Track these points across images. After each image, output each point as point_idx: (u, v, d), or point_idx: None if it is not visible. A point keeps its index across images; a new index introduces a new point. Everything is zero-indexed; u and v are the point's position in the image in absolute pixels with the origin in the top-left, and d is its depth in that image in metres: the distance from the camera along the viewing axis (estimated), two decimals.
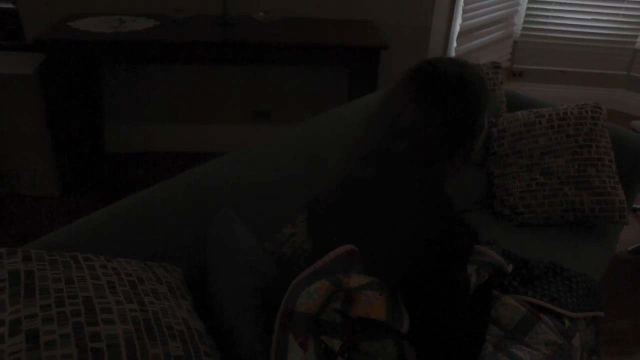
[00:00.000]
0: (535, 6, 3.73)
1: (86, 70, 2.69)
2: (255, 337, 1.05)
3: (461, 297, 1.10)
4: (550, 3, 3.74)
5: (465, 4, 3.06)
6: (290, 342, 0.97)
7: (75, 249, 1.14)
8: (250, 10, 2.71)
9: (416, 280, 1.03)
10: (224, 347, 1.08)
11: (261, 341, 1.05)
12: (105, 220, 1.31)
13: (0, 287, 0.94)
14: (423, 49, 2.95)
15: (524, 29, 3.78)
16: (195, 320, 1.06)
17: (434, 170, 1.15)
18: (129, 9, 2.67)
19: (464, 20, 3.11)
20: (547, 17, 3.78)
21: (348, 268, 1.04)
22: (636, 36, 3.84)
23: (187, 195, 1.41)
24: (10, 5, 2.97)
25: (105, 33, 2.39)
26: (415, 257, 1.02)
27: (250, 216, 1.41)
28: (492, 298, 1.28)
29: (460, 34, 3.14)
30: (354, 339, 0.98)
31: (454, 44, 3.14)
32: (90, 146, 2.88)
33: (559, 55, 3.91)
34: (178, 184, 1.44)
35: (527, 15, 3.74)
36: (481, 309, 1.25)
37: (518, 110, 2.08)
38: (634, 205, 2.92)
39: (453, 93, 1.10)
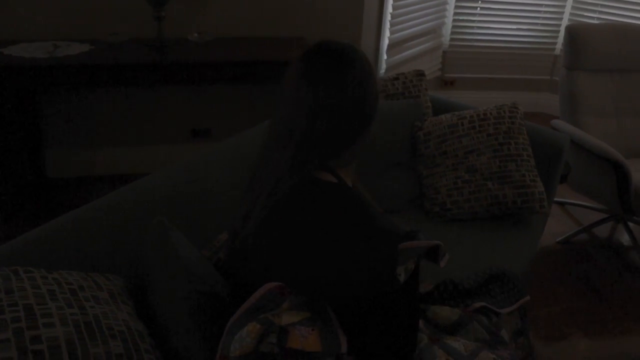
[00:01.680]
0: (460, 18, 3.95)
1: (21, 95, 2.68)
2: (191, 339, 1.10)
3: (394, 304, 1.07)
4: (474, 14, 3.96)
5: (393, 17, 3.21)
6: None
7: (16, 264, 1.16)
8: (184, 32, 2.77)
9: (346, 298, 1.02)
10: (164, 350, 1.13)
11: (197, 343, 1.10)
12: (45, 236, 1.34)
13: None
14: None
15: (451, 39, 3.99)
16: (136, 322, 1.11)
17: (334, 164, 1.12)
18: (63, 35, 2.69)
19: (392, 33, 3.26)
20: (472, 27, 4.00)
21: (279, 301, 1.01)
22: (555, 43, 4.11)
23: (126, 208, 1.45)
24: None
25: (39, 58, 2.40)
26: (340, 274, 1.01)
27: (188, 225, 1.47)
28: (417, 285, 1.20)
29: (390, 46, 3.29)
30: None
31: (385, 56, 3.28)
32: (30, 172, 2.86)
33: (486, 63, 4.14)
34: (117, 198, 1.49)
35: (453, 26, 3.95)
36: (411, 301, 1.17)
37: (447, 113, 2.22)
38: (562, 200, 3.12)
39: (339, 68, 1.06)
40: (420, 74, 2.29)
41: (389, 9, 3.16)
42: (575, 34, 2.80)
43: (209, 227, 1.53)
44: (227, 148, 1.79)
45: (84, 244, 1.35)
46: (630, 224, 2.83)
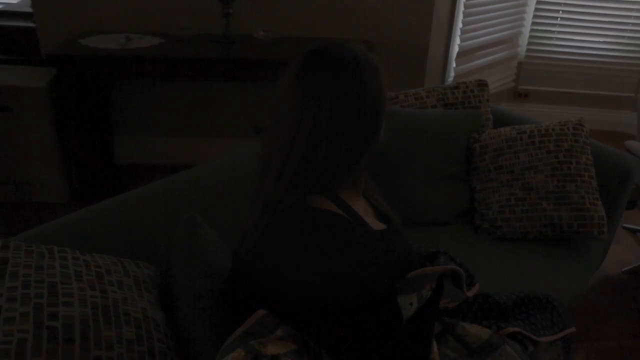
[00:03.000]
0: (539, 28, 3.78)
1: (95, 83, 2.82)
2: (205, 337, 1.11)
3: (392, 333, 1.01)
4: (554, 25, 3.78)
5: (464, 24, 3.12)
6: None
7: (57, 242, 1.22)
8: (251, 29, 2.82)
9: (332, 327, 0.97)
10: (180, 340, 1.15)
11: (211, 341, 1.10)
12: (88, 218, 1.40)
13: None
14: (421, 68, 3.02)
15: (528, 50, 3.83)
16: (155, 311, 1.14)
17: (335, 188, 1.05)
18: (137, 28, 2.81)
19: (462, 40, 3.17)
20: (552, 38, 3.82)
21: (273, 328, 0.97)
22: None
23: (167, 199, 1.49)
24: (31, 24, 3.15)
25: (111, 49, 2.52)
26: (321, 302, 0.95)
27: (226, 221, 1.49)
28: (436, 311, 1.17)
29: (460, 54, 3.21)
30: None
31: (453, 64, 3.20)
32: (100, 156, 3.01)
33: (564, 76, 3.94)
34: (160, 188, 1.53)
35: (531, 36, 3.79)
36: (424, 325, 1.12)
37: (507, 126, 2.13)
38: (631, 226, 2.92)
39: (342, 84, 0.99)
40: (482, 84, 2.21)
41: (460, 15, 3.07)
42: None
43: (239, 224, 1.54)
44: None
45: (124, 230, 1.40)
46: None
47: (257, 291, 1.02)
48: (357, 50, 1.03)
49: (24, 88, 2.54)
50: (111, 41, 2.63)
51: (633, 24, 3.78)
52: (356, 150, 1.01)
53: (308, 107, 0.97)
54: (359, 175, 1.08)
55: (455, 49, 3.18)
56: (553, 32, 3.82)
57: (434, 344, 1.10)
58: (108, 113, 3.03)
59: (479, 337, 1.23)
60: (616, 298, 2.44)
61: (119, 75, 2.85)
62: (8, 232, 2.53)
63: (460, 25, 3.11)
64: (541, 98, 4.00)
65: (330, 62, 1.00)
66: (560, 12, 3.76)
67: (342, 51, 1.01)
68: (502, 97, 3.89)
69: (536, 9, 3.70)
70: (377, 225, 1.15)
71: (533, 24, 3.75)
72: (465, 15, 3.11)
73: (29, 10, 3.03)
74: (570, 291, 1.83)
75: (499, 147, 2.00)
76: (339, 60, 1.00)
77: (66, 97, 2.59)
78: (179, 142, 3.16)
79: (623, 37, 3.82)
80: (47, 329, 0.95)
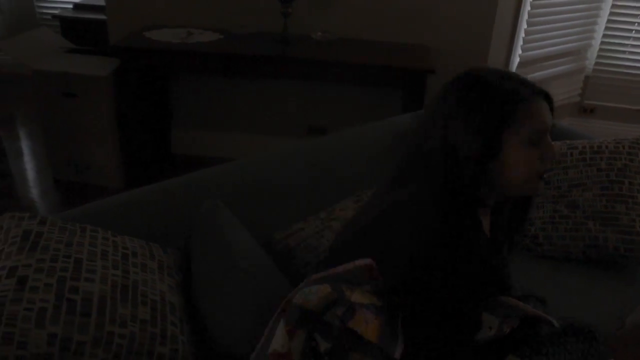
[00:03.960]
0: (611, 40, 3.61)
1: (155, 75, 2.94)
2: (223, 315, 1.14)
3: (462, 337, 1.04)
4: (629, 38, 3.60)
5: (527, 33, 3.03)
6: (279, 327, 0.99)
7: (96, 222, 1.28)
8: (309, 30, 2.85)
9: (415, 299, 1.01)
10: (196, 323, 1.18)
11: (229, 318, 1.14)
12: (130, 202, 1.47)
13: (13, 241, 1.11)
14: None
15: (597, 63, 3.65)
16: (173, 295, 1.18)
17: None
18: (200, 23, 2.90)
19: (525, 50, 3.08)
20: (624, 52, 3.64)
21: (362, 282, 1.01)
22: None
23: (201, 188, 1.54)
24: (103, 17, 3.32)
25: (172, 42, 2.62)
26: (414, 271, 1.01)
27: (255, 215, 1.53)
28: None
29: (522, 64, 3.11)
30: (343, 346, 1.02)
31: None
32: (157, 146, 3.13)
33: (635, 92, 3.74)
34: (196, 177, 1.59)
35: (601, 49, 3.62)
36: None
37: (557, 141, 2.06)
38: None
39: (481, 94, 1.05)
40: None
41: (523, 24, 2.98)
42: None
43: (277, 219, 1.57)
44: (310, 148, 1.83)
45: (159, 216, 1.45)
46: None
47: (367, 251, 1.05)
48: (502, 77, 1.10)
49: (89, 76, 2.68)
50: (173, 35, 2.73)
51: None
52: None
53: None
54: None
55: (516, 59, 3.08)
56: (626, 45, 3.63)
57: None
58: (167, 104, 3.15)
59: None
60: None
61: (178, 68, 2.95)
62: (64, 210, 2.67)
63: (522, 34, 3.01)
64: (609, 114, 3.81)
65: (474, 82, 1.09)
66: (636, 24, 3.57)
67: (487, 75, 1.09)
68: (566, 112, 3.74)
69: (609, 21, 3.53)
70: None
71: (604, 36, 3.58)
72: (529, 24, 3.01)
73: (102, 4, 3.20)
74: (612, 319, 1.75)
75: None
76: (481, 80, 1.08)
77: (128, 86, 2.71)
78: (234, 137, 3.24)
79: None
80: (67, 301, 1.00)
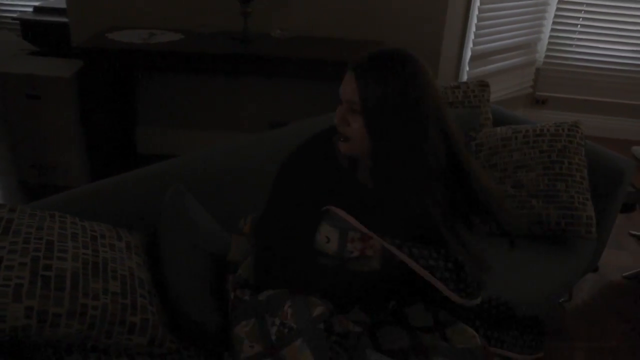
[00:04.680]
0: (559, 34, 3.79)
1: (118, 75, 2.99)
2: (188, 288, 1.23)
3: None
4: (575, 32, 3.80)
5: (478, 28, 3.18)
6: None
7: (62, 211, 1.35)
8: (268, 28, 2.94)
9: None
10: (164, 299, 1.26)
11: (193, 290, 1.23)
12: (93, 192, 1.54)
13: None
14: (433, 70, 3.07)
15: (547, 56, 3.84)
16: (141, 271, 1.26)
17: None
18: (161, 24, 2.96)
19: (476, 44, 3.22)
20: (572, 45, 3.83)
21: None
22: None
23: (165, 178, 1.61)
24: (64, 19, 3.35)
25: (135, 43, 2.68)
26: None
27: (219, 202, 1.61)
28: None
29: (474, 57, 3.26)
30: None
31: (467, 68, 3.26)
32: (122, 145, 3.17)
33: (585, 84, 3.94)
34: (161, 169, 1.66)
35: (550, 42, 3.80)
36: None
37: (503, 126, 2.19)
38: (638, 233, 2.92)
39: (388, 66, 1.17)
40: (483, 85, 2.28)
41: (474, 19, 3.13)
42: None
43: (234, 205, 1.66)
44: (273, 138, 1.92)
45: (122, 203, 1.52)
46: None
47: None
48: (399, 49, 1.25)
49: (52, 77, 2.72)
50: (136, 36, 2.78)
51: None
52: None
53: None
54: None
55: (468, 53, 3.23)
56: (573, 39, 3.82)
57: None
58: (132, 104, 3.20)
59: (465, 344, 1.26)
60: (616, 302, 2.46)
61: (141, 68, 3.00)
62: None
63: (474, 29, 3.16)
64: (559, 105, 4.00)
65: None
66: (581, 19, 3.77)
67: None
68: (519, 103, 3.92)
69: (556, 15, 3.72)
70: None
71: (552, 30, 3.77)
72: (479, 19, 3.16)
73: (63, 6, 3.22)
74: (554, 289, 1.88)
75: (494, 146, 2.07)
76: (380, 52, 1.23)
77: (92, 87, 2.75)
78: (198, 134, 3.30)
79: None
80: (42, 278, 1.07)
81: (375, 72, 1.17)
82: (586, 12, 3.75)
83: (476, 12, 3.13)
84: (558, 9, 3.71)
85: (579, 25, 3.79)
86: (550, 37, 3.80)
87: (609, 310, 2.40)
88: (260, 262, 1.31)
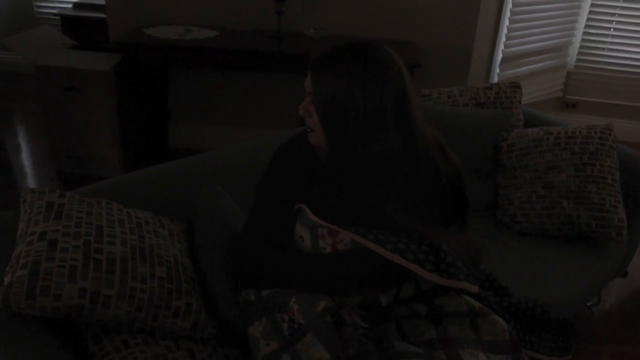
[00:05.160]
0: (591, 38, 3.77)
1: (154, 70, 3.06)
2: (217, 280, 1.28)
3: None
4: (607, 35, 3.77)
5: (510, 30, 3.18)
6: None
7: (104, 197, 1.41)
8: (301, 27, 2.99)
9: None
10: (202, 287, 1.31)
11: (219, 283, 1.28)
12: (133, 181, 1.60)
13: (38, 211, 1.23)
14: (464, 71, 3.10)
15: (578, 60, 3.82)
16: (184, 258, 1.31)
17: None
18: (197, 21, 3.03)
19: (507, 46, 3.23)
20: (604, 49, 3.80)
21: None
22: None
23: (200, 171, 1.66)
24: (103, 15, 3.44)
25: (171, 39, 2.74)
26: None
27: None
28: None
29: (505, 59, 3.26)
30: None
31: (497, 70, 3.26)
32: (154, 139, 3.25)
33: (615, 88, 3.90)
34: (195, 160, 1.72)
35: (582, 46, 3.78)
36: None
37: (535, 127, 2.20)
38: None
39: (342, 60, 1.21)
40: (515, 86, 2.29)
41: (506, 21, 3.13)
42: None
43: None
44: None
45: (161, 193, 1.57)
46: None
47: None
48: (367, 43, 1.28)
49: (91, 71, 2.80)
50: (172, 32, 2.85)
51: None
52: None
53: None
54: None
55: (499, 55, 3.23)
56: (605, 42, 3.79)
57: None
58: (165, 99, 3.27)
59: (495, 336, 1.26)
60: None
61: (176, 63, 3.07)
62: None
63: (505, 31, 3.16)
64: (590, 109, 3.97)
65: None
66: (614, 22, 3.74)
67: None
68: (549, 106, 3.90)
69: (588, 19, 3.69)
70: None
71: (584, 33, 3.74)
72: (511, 21, 3.16)
73: (101, 2, 3.31)
74: (585, 290, 1.89)
75: (526, 147, 2.08)
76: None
77: (128, 81, 2.83)
78: (229, 130, 3.36)
79: None
80: (94, 260, 1.13)
81: (328, 67, 1.21)
82: (620, 15, 3.71)
83: (508, 14, 3.13)
84: (591, 12, 3.68)
85: (612, 29, 3.76)
86: (582, 40, 3.77)
87: (637, 316, 2.39)
88: (244, 264, 1.30)
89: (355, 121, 1.18)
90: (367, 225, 1.27)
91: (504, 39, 3.19)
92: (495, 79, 3.29)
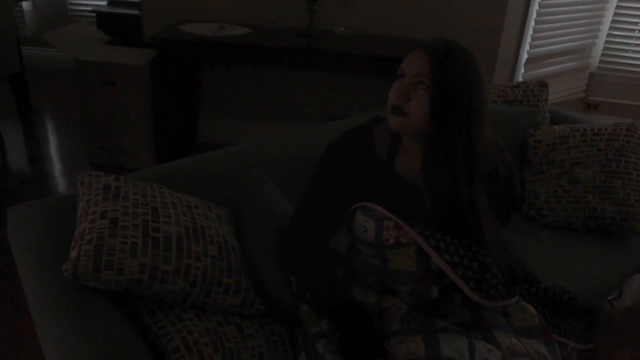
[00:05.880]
0: (615, 39, 3.80)
1: (188, 65, 3.15)
2: (269, 266, 1.36)
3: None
4: (632, 37, 3.79)
5: (535, 31, 3.23)
6: None
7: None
8: (332, 25, 3.07)
9: None
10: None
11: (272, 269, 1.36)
12: (177, 169, 1.68)
13: (97, 192, 1.32)
14: (489, 71, 3.15)
15: (601, 61, 3.85)
16: (233, 239, 1.39)
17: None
18: (230, 18, 3.12)
19: (532, 47, 3.27)
20: (628, 50, 3.83)
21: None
22: None
23: (242, 159, 1.73)
24: (137, 12, 3.55)
25: (205, 35, 2.84)
26: None
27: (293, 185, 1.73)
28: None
29: (529, 60, 3.31)
30: None
31: (522, 70, 3.31)
32: (186, 133, 3.35)
33: (637, 89, 3.93)
34: (237, 150, 1.79)
35: (605, 47, 3.81)
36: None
37: (562, 124, 2.25)
38: None
39: (460, 50, 1.25)
40: (542, 85, 2.34)
41: (532, 22, 3.18)
42: None
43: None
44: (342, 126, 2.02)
45: (205, 179, 1.65)
46: None
47: None
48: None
49: (128, 65, 2.90)
50: (206, 28, 2.94)
51: None
52: None
53: None
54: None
55: (524, 55, 3.28)
56: (630, 44, 3.82)
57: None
58: (196, 94, 3.37)
59: (526, 320, 1.34)
60: None
61: (211, 59, 3.17)
62: None
63: (531, 32, 3.21)
64: (612, 110, 4.00)
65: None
66: (639, 24, 3.76)
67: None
68: (571, 107, 3.93)
69: (613, 20, 3.72)
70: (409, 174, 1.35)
71: (609, 35, 3.77)
72: (537, 22, 3.21)
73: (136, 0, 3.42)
74: (607, 281, 1.94)
75: (552, 143, 2.13)
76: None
77: (163, 76, 2.92)
78: (259, 126, 3.45)
79: None
80: (152, 238, 1.21)
81: (449, 54, 1.22)
82: None
83: (534, 15, 3.18)
84: (615, 14, 3.71)
85: (636, 31, 3.78)
86: (606, 42, 3.80)
87: None
88: (284, 245, 1.37)
89: (464, 112, 1.22)
90: (438, 223, 1.32)
91: (529, 39, 3.24)
92: (520, 79, 3.34)
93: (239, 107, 3.44)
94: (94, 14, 3.75)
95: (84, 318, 1.11)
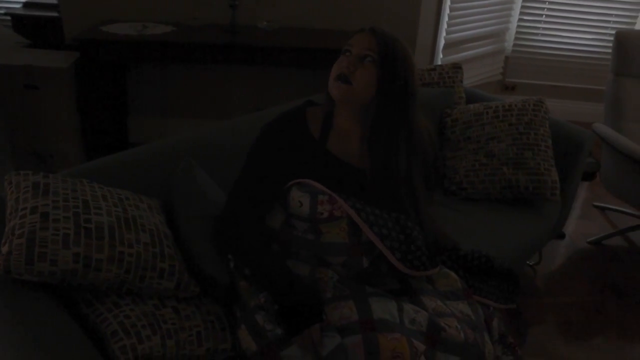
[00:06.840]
0: (525, 24, 4.04)
1: (113, 66, 3.12)
2: (202, 248, 1.41)
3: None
4: (540, 21, 4.05)
5: (450, 18, 3.40)
6: None
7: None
8: (255, 20, 3.12)
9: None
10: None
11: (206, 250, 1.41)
12: (108, 164, 1.69)
13: (26, 190, 1.32)
14: None
15: (515, 44, 4.09)
16: (165, 228, 1.43)
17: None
18: (153, 17, 3.11)
19: (449, 33, 3.44)
20: (537, 34, 4.09)
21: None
22: None
23: (172, 152, 1.76)
24: (55, 14, 3.47)
25: (129, 35, 2.82)
26: None
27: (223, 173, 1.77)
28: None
29: (447, 45, 3.48)
30: None
31: (440, 55, 3.47)
32: (115, 134, 3.31)
33: (550, 70, 4.20)
34: (167, 144, 1.82)
35: (517, 32, 4.05)
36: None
37: (476, 103, 2.40)
38: (601, 204, 3.18)
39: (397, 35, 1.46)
40: (456, 67, 2.49)
41: (447, 9, 3.34)
42: (624, 39, 2.87)
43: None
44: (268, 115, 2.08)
45: (135, 173, 1.66)
46: None
47: None
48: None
49: (50, 68, 2.84)
50: (129, 28, 2.93)
51: (614, 22, 4.04)
52: None
53: None
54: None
55: (442, 41, 3.45)
56: (539, 28, 4.08)
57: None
58: (124, 94, 3.34)
59: (451, 285, 1.47)
60: (579, 264, 2.71)
61: (136, 59, 3.14)
62: None
63: (446, 19, 3.38)
64: (528, 91, 4.24)
65: None
66: (546, 9, 4.02)
67: None
68: (490, 89, 4.14)
69: (522, 6, 3.96)
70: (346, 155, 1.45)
71: (519, 20, 4.01)
72: (451, 9, 3.38)
73: (51, 1, 3.34)
74: (526, 246, 2.10)
75: (468, 121, 2.28)
76: None
77: (87, 77, 2.89)
78: (188, 122, 3.46)
79: (605, 33, 4.07)
80: (84, 229, 1.24)
81: (394, 38, 1.42)
82: (550, 2, 4.00)
83: (448, 2, 3.35)
84: (524, 0, 3.95)
85: (543, 16, 4.05)
86: (518, 26, 4.04)
87: (572, 272, 2.64)
88: (222, 226, 1.42)
89: (406, 92, 1.41)
90: (369, 197, 1.43)
91: (445, 26, 3.40)
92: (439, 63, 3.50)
93: (169, 105, 3.44)
94: (9, 17, 3.63)
95: (18, 310, 1.12)
